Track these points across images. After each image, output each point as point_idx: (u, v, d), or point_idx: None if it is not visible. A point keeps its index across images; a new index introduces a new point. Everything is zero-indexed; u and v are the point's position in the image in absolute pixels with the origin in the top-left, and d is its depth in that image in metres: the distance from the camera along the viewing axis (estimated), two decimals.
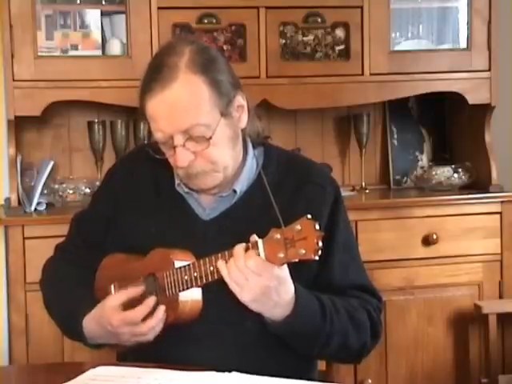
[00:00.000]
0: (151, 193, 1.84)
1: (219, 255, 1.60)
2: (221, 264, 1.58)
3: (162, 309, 1.67)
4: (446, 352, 2.98)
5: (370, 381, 2.92)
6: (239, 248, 1.57)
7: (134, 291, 1.71)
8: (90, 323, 1.75)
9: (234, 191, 1.78)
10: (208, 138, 1.66)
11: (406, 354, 2.96)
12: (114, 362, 1.82)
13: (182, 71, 1.65)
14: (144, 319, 1.67)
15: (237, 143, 1.75)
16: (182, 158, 1.67)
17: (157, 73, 1.66)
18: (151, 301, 1.68)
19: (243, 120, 1.75)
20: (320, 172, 1.87)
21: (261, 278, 1.55)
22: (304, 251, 1.49)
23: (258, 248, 1.54)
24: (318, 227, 1.49)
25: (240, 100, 1.73)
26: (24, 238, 2.71)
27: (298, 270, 1.61)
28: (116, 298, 1.72)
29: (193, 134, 1.66)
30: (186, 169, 1.70)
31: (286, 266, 1.58)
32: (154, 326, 1.67)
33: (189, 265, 1.64)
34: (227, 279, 1.57)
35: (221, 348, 1.70)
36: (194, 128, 1.65)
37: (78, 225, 1.97)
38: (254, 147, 1.83)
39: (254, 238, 1.56)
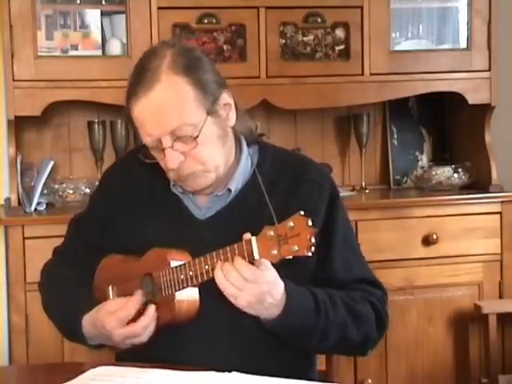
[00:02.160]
0: (147, 193, 1.84)
1: (214, 254, 1.60)
2: (216, 274, 1.58)
3: (152, 307, 1.67)
4: (446, 352, 2.98)
5: (369, 381, 2.92)
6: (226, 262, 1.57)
7: (133, 304, 1.69)
8: (88, 324, 1.75)
9: (229, 190, 1.78)
10: (195, 137, 1.67)
11: (405, 354, 2.96)
12: (114, 362, 1.82)
13: (164, 73, 1.66)
14: (136, 319, 1.67)
15: (226, 141, 1.75)
16: (171, 159, 1.68)
17: (139, 77, 1.68)
18: (138, 294, 1.68)
19: (231, 118, 1.75)
20: (316, 170, 1.87)
21: (254, 285, 1.56)
22: (297, 248, 1.49)
23: (251, 245, 1.54)
24: (310, 223, 1.50)
25: (226, 98, 1.74)
26: (24, 238, 2.71)
27: (294, 269, 1.62)
28: (113, 304, 1.71)
29: (180, 135, 1.67)
30: (176, 171, 1.71)
31: (272, 268, 1.59)
32: (146, 325, 1.67)
33: (184, 264, 1.64)
34: (221, 289, 1.58)
35: (219, 348, 1.70)
36: (181, 128, 1.66)
37: (76, 227, 1.97)
38: (248, 146, 1.83)
39: (248, 235, 1.56)
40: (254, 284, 1.56)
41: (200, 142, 1.68)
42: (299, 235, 1.49)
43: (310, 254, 1.50)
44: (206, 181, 1.73)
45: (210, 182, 1.74)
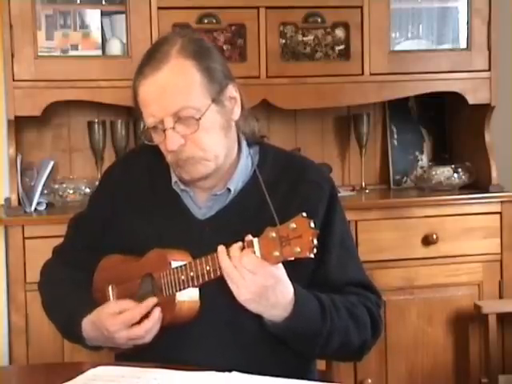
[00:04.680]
0: (147, 192, 1.84)
1: (215, 255, 1.60)
2: (222, 259, 1.58)
3: (157, 310, 1.67)
4: (446, 352, 2.98)
5: (369, 381, 2.92)
6: (235, 247, 1.57)
7: (141, 309, 1.68)
8: (88, 326, 1.75)
9: (229, 190, 1.78)
10: (197, 119, 1.67)
11: (405, 354, 2.96)
12: (114, 362, 1.82)
13: (174, 56, 1.69)
14: (140, 321, 1.67)
15: (229, 133, 1.76)
16: (171, 141, 1.68)
17: (148, 59, 1.70)
18: (150, 302, 1.68)
19: (236, 112, 1.76)
20: (315, 170, 1.87)
21: (257, 277, 1.55)
22: (299, 249, 1.49)
23: (253, 247, 1.54)
24: (313, 225, 1.49)
25: (232, 92, 1.75)
26: (24, 238, 2.71)
27: (294, 270, 1.61)
28: (115, 306, 1.71)
29: (182, 116, 1.67)
30: (175, 154, 1.71)
31: (281, 265, 1.59)
32: (150, 328, 1.67)
33: (185, 264, 1.64)
34: (225, 276, 1.58)
35: (219, 348, 1.70)
36: (184, 110, 1.67)
37: (76, 227, 1.97)
38: (249, 146, 1.84)
39: (249, 237, 1.56)
40: (256, 275, 1.55)
41: (202, 127, 1.68)
42: (301, 237, 1.49)
43: (312, 256, 1.50)
44: (204, 169, 1.73)
45: (208, 170, 1.74)
